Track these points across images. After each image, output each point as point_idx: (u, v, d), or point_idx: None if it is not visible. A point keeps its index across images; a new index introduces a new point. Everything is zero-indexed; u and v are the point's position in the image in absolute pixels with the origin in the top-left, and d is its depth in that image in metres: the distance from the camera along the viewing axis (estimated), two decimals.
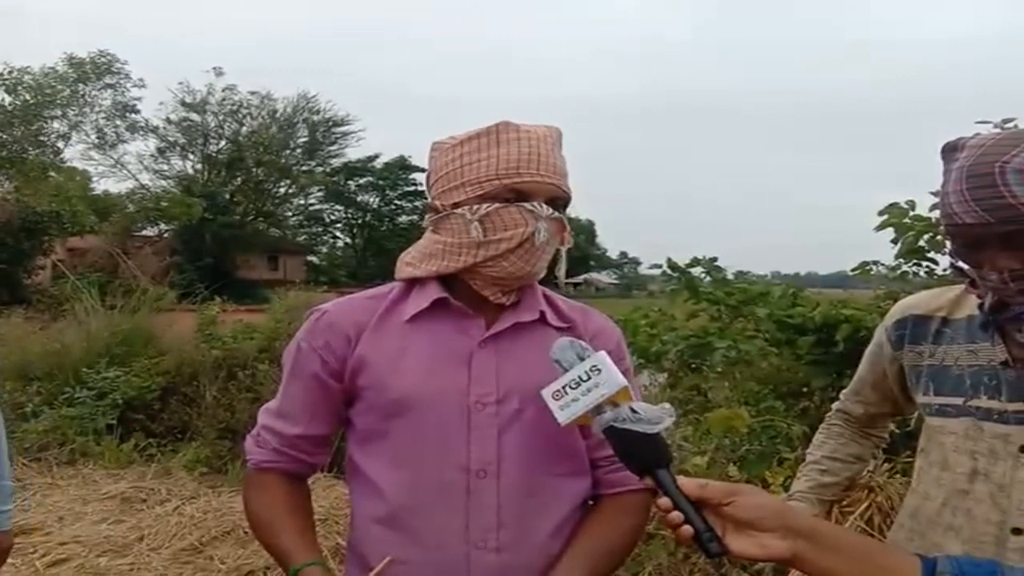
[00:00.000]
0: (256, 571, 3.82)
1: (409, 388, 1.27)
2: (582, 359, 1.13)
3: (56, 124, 29.18)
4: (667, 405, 1.10)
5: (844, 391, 1.66)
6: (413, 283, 1.35)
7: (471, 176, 1.27)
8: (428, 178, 1.36)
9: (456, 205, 1.28)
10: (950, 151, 1.20)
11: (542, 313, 1.34)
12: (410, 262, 1.36)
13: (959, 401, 1.30)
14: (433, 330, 1.31)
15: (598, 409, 1.09)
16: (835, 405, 1.67)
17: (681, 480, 1.03)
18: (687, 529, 0.99)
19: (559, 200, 1.29)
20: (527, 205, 1.25)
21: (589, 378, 1.10)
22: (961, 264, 1.24)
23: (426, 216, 1.36)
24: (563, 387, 1.12)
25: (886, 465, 2.36)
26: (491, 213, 1.25)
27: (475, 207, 1.26)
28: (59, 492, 5.21)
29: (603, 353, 1.12)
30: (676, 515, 1.00)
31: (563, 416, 1.11)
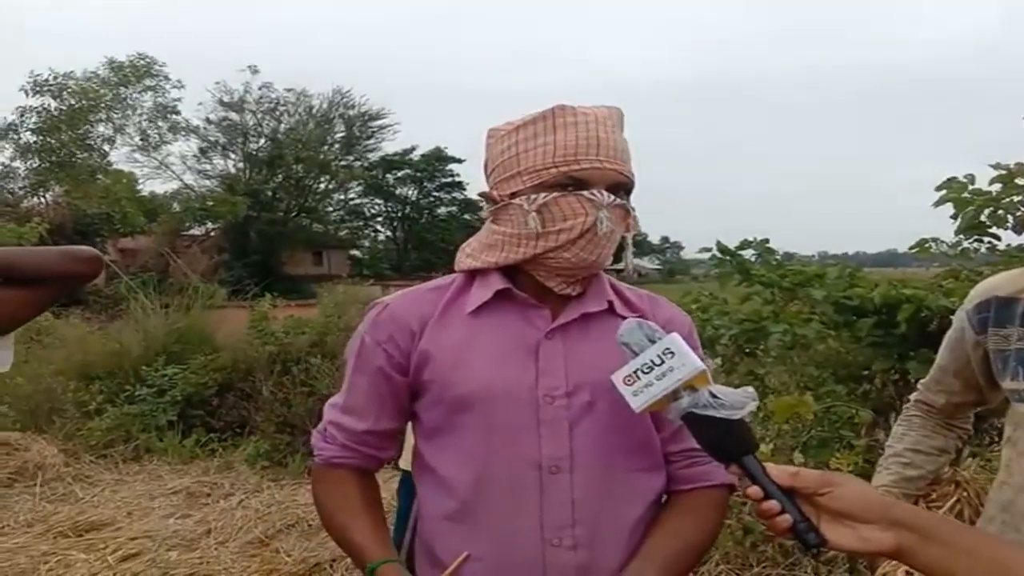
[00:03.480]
0: (323, 563, 3.88)
1: (475, 383, 1.24)
2: (652, 341, 1.06)
3: (101, 128, 29.86)
4: (750, 389, 1.03)
5: (923, 381, 1.59)
6: (475, 275, 1.31)
7: (528, 164, 1.22)
8: (485, 167, 1.32)
9: (514, 195, 1.24)
10: None
11: (610, 303, 1.30)
12: (470, 253, 1.33)
13: None
14: (497, 322, 1.27)
15: (674, 395, 1.03)
16: (913, 396, 1.60)
17: (771, 468, 0.98)
18: (784, 519, 0.95)
19: (622, 186, 1.24)
20: (586, 193, 1.20)
21: (663, 362, 1.04)
22: None
23: (485, 206, 1.32)
24: (635, 372, 1.05)
25: (973, 459, 2.27)
26: (549, 203, 1.20)
27: (532, 197, 1.21)
28: (126, 488, 5.37)
29: (676, 334, 1.06)
30: (771, 504, 0.96)
31: (637, 403, 1.05)
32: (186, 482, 5.35)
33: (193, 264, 17.66)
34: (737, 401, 1.01)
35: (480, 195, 1.34)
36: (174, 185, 33.22)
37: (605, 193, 1.21)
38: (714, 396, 1.02)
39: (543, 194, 1.21)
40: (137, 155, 31.66)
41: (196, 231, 29.88)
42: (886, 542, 0.92)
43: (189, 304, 7.95)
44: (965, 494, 1.78)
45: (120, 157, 31.67)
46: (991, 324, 1.35)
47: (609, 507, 1.24)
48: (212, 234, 30.05)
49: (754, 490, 0.98)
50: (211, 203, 29.66)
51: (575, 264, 1.23)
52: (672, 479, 1.32)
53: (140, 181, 30.60)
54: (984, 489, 1.55)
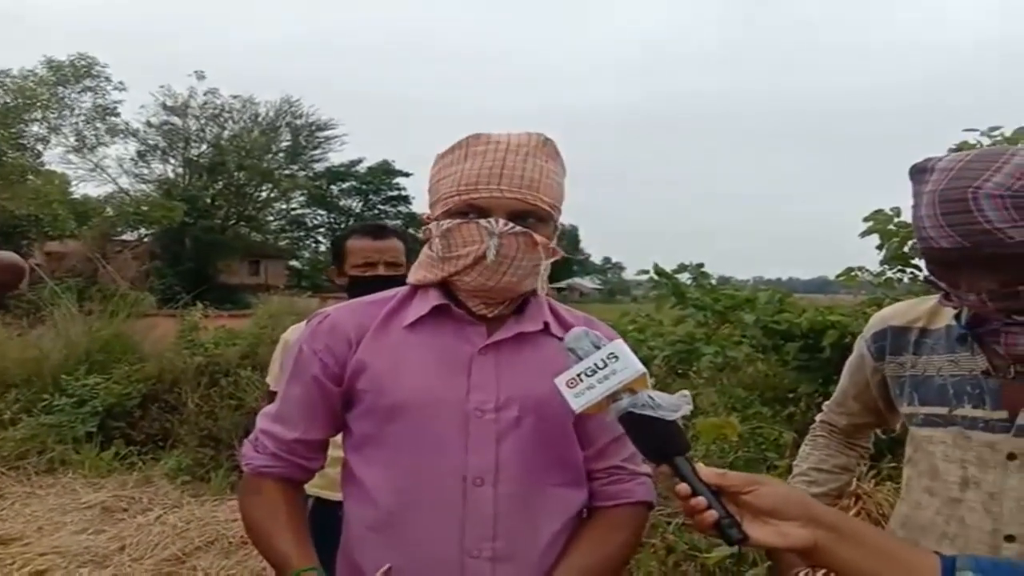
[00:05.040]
0: None
1: (407, 393, 1.26)
2: (598, 347, 1.10)
3: (35, 127, 28.87)
4: (686, 392, 1.07)
5: (827, 403, 1.65)
6: (416, 289, 1.35)
7: (442, 192, 1.28)
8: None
9: (432, 219, 1.31)
10: (919, 172, 1.20)
11: (546, 323, 1.34)
12: (413, 269, 1.38)
13: (944, 411, 1.30)
14: (434, 336, 1.30)
15: (614, 396, 1.06)
16: (819, 417, 1.66)
17: (700, 468, 1.02)
18: (710, 515, 0.98)
19: (530, 213, 1.25)
20: (482, 222, 1.23)
21: (606, 365, 1.07)
22: (936, 281, 1.24)
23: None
24: (578, 375, 1.08)
25: (871, 472, 2.36)
26: (452, 229, 1.26)
27: (440, 223, 1.27)
28: (38, 501, 5.13)
29: (620, 341, 1.11)
30: (699, 500, 0.99)
31: (577, 403, 1.08)
32: (102, 496, 5.13)
33: (123, 270, 17.14)
34: (673, 403, 1.05)
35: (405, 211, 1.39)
36: (109, 188, 32.30)
37: (500, 221, 1.23)
38: (651, 398, 1.05)
39: (446, 221, 1.26)
40: (72, 156, 30.71)
41: (129, 236, 28.97)
42: (803, 538, 0.96)
43: (115, 311, 7.67)
44: (865, 506, 1.86)
45: (54, 158, 30.61)
46: (888, 352, 1.41)
47: (530, 521, 1.27)
48: (145, 240, 29.21)
49: (683, 487, 1.01)
50: (146, 208, 28.86)
51: (476, 288, 1.28)
52: (594, 495, 1.35)
53: (73, 183, 29.67)
54: (883, 502, 1.61)
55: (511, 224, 1.23)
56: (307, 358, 1.32)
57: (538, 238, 1.26)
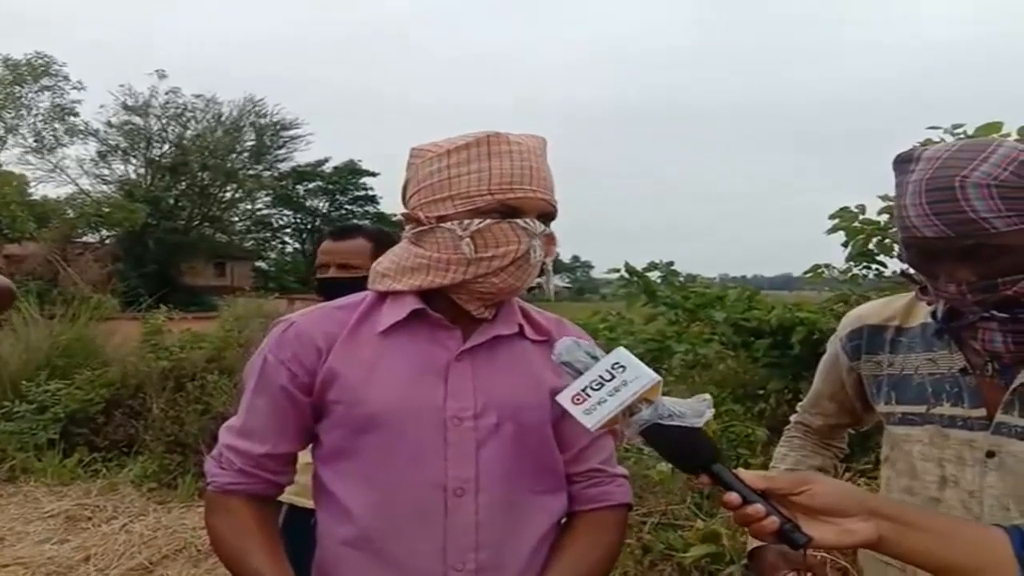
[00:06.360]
0: None
1: (382, 402, 1.22)
2: (595, 358, 1.05)
3: None
4: (706, 396, 1.03)
5: (801, 403, 1.64)
6: (386, 294, 1.29)
7: (461, 189, 1.21)
8: (406, 186, 1.30)
9: (443, 218, 1.23)
10: (904, 162, 1.19)
11: (520, 326, 1.31)
12: (386, 273, 1.30)
13: (922, 409, 1.30)
14: (408, 342, 1.26)
15: (631, 409, 1.00)
16: (793, 417, 1.65)
17: (743, 473, 0.98)
18: (772, 521, 0.94)
19: (550, 215, 1.26)
20: (520, 222, 1.21)
21: (613, 376, 1.01)
22: (913, 273, 1.24)
23: (407, 227, 1.30)
24: (583, 389, 1.01)
25: (847, 474, 2.38)
26: (483, 229, 1.20)
27: (466, 222, 1.21)
28: None
29: (622, 348, 1.06)
30: (757, 508, 0.95)
31: (591, 421, 1.00)
32: (65, 505, 5.00)
33: (85, 273, 16.75)
34: (696, 409, 1.01)
35: (403, 215, 1.31)
36: (69, 189, 31.65)
37: (537, 222, 1.22)
38: (674, 406, 1.00)
39: (477, 220, 1.20)
40: (30, 157, 30.08)
41: (90, 238, 28.43)
42: (868, 533, 0.94)
43: (77, 315, 7.50)
44: None
45: (11, 158, 29.92)
46: (864, 351, 1.40)
47: (512, 529, 1.24)
48: (107, 242, 28.67)
49: (732, 497, 0.97)
50: (107, 209, 28.32)
51: (502, 290, 1.24)
52: (574, 499, 1.33)
53: (32, 184, 29.03)
54: None
55: (543, 225, 1.24)
56: (273, 368, 1.27)
57: (555, 238, 1.28)
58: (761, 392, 4.24)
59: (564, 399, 1.03)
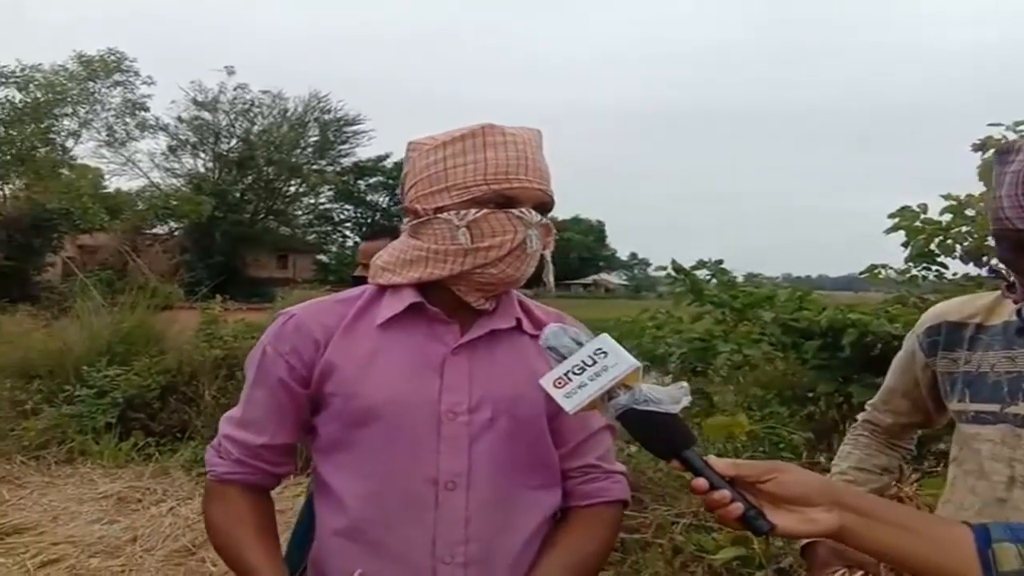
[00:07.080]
0: None
1: (378, 395, 1.22)
2: (580, 344, 1.05)
3: (66, 122, 29.42)
4: (683, 383, 1.03)
5: (871, 401, 1.61)
6: (386, 287, 1.29)
7: (457, 180, 1.21)
8: (404, 179, 1.30)
9: (439, 210, 1.23)
10: (1004, 153, 1.17)
11: (518, 320, 1.30)
12: (386, 267, 1.30)
13: (996, 408, 1.26)
14: (406, 336, 1.25)
15: (609, 394, 1.02)
16: (861, 416, 1.62)
17: (712, 459, 0.99)
18: (736, 507, 0.95)
19: (546, 205, 1.25)
20: (516, 211, 1.20)
21: (595, 362, 1.02)
22: (1003, 269, 1.19)
23: (404, 219, 1.31)
24: (565, 374, 1.03)
25: (915, 475, 2.28)
26: (479, 219, 1.20)
27: (462, 213, 1.21)
28: (56, 491, 5.17)
29: (606, 335, 1.06)
30: (723, 494, 0.96)
31: (570, 404, 1.02)
32: (118, 487, 5.16)
33: (153, 263, 17.31)
34: (672, 395, 1.01)
35: (403, 209, 1.31)
36: (141, 182, 32.80)
37: (533, 212, 1.22)
38: (650, 392, 1.01)
39: (473, 210, 1.21)
40: (103, 151, 31.27)
41: (160, 230, 29.41)
42: (831, 522, 0.94)
43: (135, 303, 7.72)
44: None
45: (86, 152, 31.17)
46: (941, 348, 1.38)
47: (503, 524, 1.24)
48: (175, 234, 29.61)
49: (700, 482, 0.98)
50: (175, 202, 29.27)
51: (499, 280, 1.23)
52: (568, 495, 1.32)
53: (106, 177, 30.18)
54: (929, 505, 1.56)
55: (539, 215, 1.23)
56: (271, 360, 1.28)
57: (552, 229, 1.27)
58: (810, 395, 4.10)
59: (546, 382, 1.04)
